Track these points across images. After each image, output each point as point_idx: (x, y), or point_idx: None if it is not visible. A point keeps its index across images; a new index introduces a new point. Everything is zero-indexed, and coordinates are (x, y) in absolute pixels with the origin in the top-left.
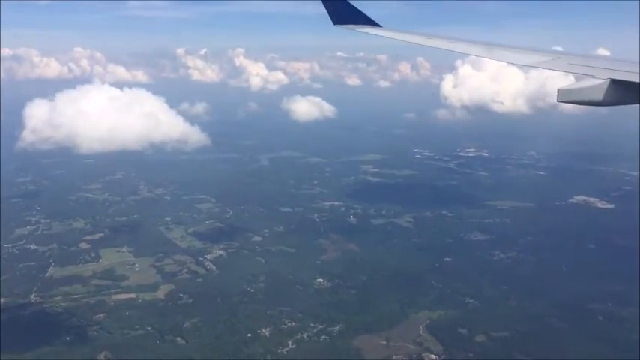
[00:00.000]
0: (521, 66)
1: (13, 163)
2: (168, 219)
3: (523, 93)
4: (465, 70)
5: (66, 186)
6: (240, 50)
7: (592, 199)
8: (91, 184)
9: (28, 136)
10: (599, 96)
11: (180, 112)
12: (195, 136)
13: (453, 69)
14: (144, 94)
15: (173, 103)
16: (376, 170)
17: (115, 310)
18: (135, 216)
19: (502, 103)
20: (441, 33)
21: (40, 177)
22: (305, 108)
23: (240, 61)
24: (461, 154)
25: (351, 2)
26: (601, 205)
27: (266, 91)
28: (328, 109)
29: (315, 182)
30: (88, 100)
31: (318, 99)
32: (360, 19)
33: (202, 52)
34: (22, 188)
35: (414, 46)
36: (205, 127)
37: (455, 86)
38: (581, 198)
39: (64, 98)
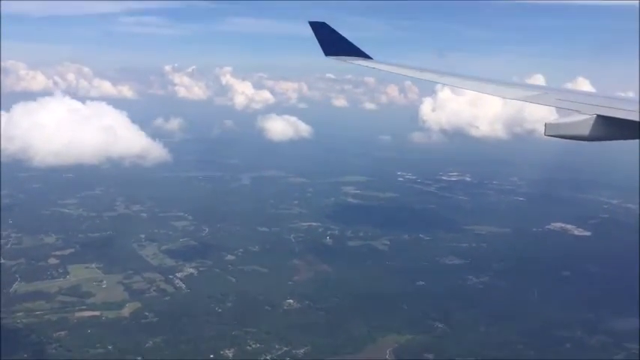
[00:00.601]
0: (510, 100)
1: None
2: (142, 236)
3: (500, 118)
4: (444, 94)
5: (42, 200)
6: (227, 69)
7: (569, 226)
8: (68, 199)
9: None
10: (585, 131)
11: (154, 128)
12: (156, 152)
13: (433, 93)
14: (105, 108)
15: (151, 118)
16: (357, 192)
17: (76, 328)
18: (108, 232)
19: (478, 127)
20: (422, 57)
21: (16, 190)
22: (280, 127)
23: (226, 79)
24: (443, 177)
25: (342, 35)
26: (577, 232)
27: (249, 110)
28: (304, 129)
29: (296, 202)
30: (46, 113)
31: (294, 119)
32: (352, 50)
33: (190, 69)
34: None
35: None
36: (175, 144)
37: (434, 110)
38: (558, 225)
39: (20, 110)
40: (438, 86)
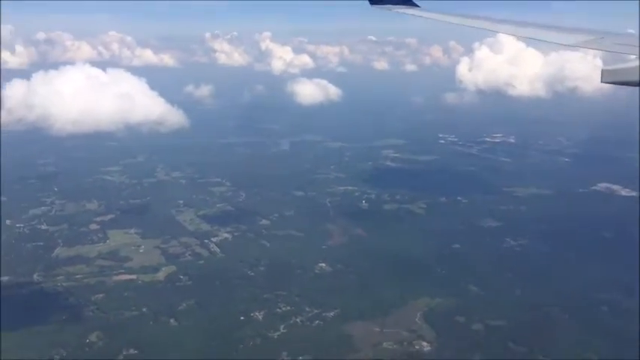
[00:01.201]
0: (566, 46)
1: (36, 145)
2: (181, 202)
3: (540, 77)
4: (481, 52)
5: (85, 168)
6: (266, 34)
7: (616, 187)
8: (111, 167)
9: (4, 117)
10: None
11: (185, 95)
12: (175, 118)
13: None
14: (124, 75)
15: (188, 85)
16: (396, 155)
17: (113, 291)
18: (148, 198)
19: (515, 87)
20: (482, 12)
21: (61, 159)
22: (310, 91)
23: (266, 44)
24: (487, 139)
25: None
26: (625, 192)
27: (286, 74)
28: (334, 93)
29: (332, 167)
30: (65, 81)
31: (324, 82)
32: None
33: (230, 36)
34: (41, 170)
35: (447, 29)
36: (214, 110)
37: (470, 69)
38: (604, 185)
39: (39, 78)
40: (476, 44)
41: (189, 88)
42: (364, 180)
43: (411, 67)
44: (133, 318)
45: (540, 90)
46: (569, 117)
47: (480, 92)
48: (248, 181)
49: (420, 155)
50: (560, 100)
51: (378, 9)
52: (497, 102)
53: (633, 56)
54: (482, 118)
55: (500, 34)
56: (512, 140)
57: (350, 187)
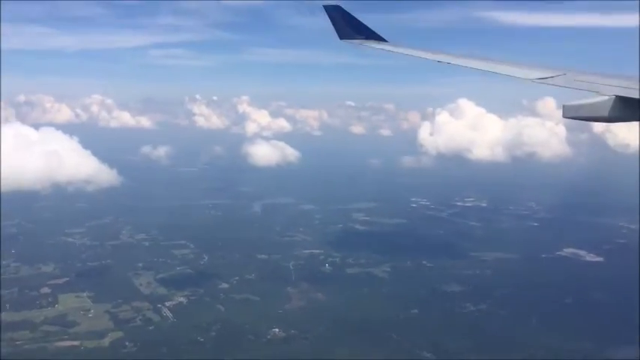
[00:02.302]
0: (527, 81)
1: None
2: (140, 264)
3: (500, 141)
4: (442, 117)
5: (49, 229)
6: (244, 98)
7: (581, 252)
8: (75, 228)
9: None
10: (604, 112)
11: (139, 155)
12: (106, 177)
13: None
14: (55, 134)
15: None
16: (366, 218)
17: (54, 358)
18: (107, 261)
19: (473, 151)
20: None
21: (26, 220)
22: (263, 152)
23: (243, 108)
24: (458, 203)
25: (357, 17)
26: (589, 258)
27: (259, 137)
28: (290, 154)
29: (301, 229)
30: None
31: (281, 143)
32: (367, 33)
33: (207, 100)
34: (4, 231)
35: (423, 96)
36: (185, 172)
37: (431, 134)
38: (570, 250)
39: None
40: (437, 110)
41: (146, 149)
42: (331, 243)
43: (386, 132)
44: None
45: (499, 155)
46: (539, 181)
47: (441, 156)
48: (213, 243)
49: (390, 218)
50: (520, 165)
51: (347, 43)
52: (458, 166)
53: (594, 92)
54: (453, 181)
55: (460, 100)
56: (484, 204)
57: (315, 251)
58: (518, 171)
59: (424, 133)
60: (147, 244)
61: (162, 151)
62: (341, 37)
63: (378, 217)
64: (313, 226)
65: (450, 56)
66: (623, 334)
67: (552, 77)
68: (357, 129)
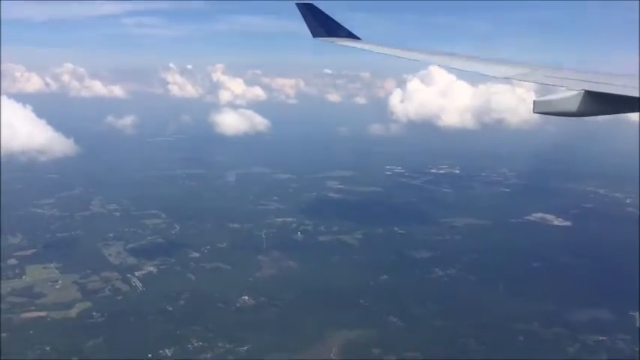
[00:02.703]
0: (497, 78)
1: None
2: (111, 235)
3: (469, 108)
4: (413, 84)
5: (18, 201)
6: (219, 66)
7: (550, 217)
8: (45, 199)
9: None
10: (573, 107)
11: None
12: (60, 146)
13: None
14: (8, 103)
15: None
16: (341, 186)
17: (19, 330)
18: (77, 232)
19: (442, 118)
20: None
21: None
22: (229, 121)
23: (217, 76)
24: (432, 170)
25: (330, 16)
26: (557, 222)
27: (231, 106)
28: (260, 123)
29: (275, 198)
30: None
31: (250, 112)
32: (340, 32)
33: (182, 68)
34: None
35: (401, 63)
36: (161, 142)
37: (402, 101)
38: (539, 215)
39: None
40: (408, 76)
41: (110, 118)
42: (304, 211)
43: (362, 100)
44: (35, 357)
45: (468, 121)
46: (510, 148)
47: (411, 123)
48: (185, 213)
49: (365, 186)
50: (488, 132)
51: (321, 41)
52: (428, 133)
53: (563, 88)
54: (426, 149)
55: (432, 65)
56: (457, 171)
57: (288, 219)
58: (488, 138)
59: (395, 101)
60: (118, 214)
61: (128, 121)
62: (314, 35)
63: (353, 185)
64: (287, 195)
65: (425, 54)
66: (587, 296)
67: (523, 74)
68: (333, 97)
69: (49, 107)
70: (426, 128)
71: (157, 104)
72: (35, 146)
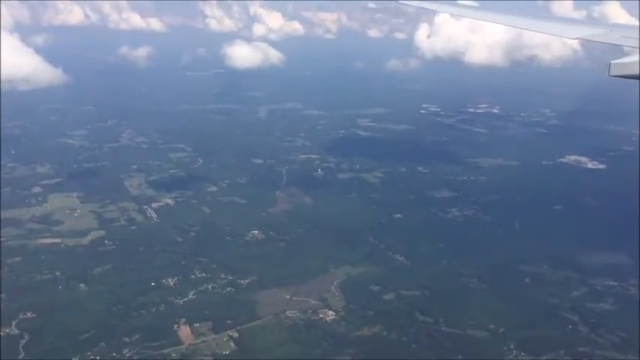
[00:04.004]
0: (573, 39)
1: (11, 108)
2: (134, 166)
3: (499, 44)
4: (441, 18)
5: (52, 131)
6: None
7: (584, 159)
8: (77, 130)
9: None
10: None
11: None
12: (47, 75)
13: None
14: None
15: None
16: (372, 124)
17: (32, 254)
18: (104, 163)
19: (467, 54)
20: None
21: (30, 122)
22: (246, 54)
23: (255, 9)
24: (470, 109)
25: None
26: (592, 165)
27: (265, 40)
28: (275, 56)
29: (302, 134)
30: None
31: (264, 45)
32: None
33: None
34: (6, 132)
35: None
36: (199, 77)
37: (429, 36)
38: (573, 158)
39: None
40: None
41: (124, 49)
42: (329, 148)
43: (401, 36)
44: (43, 282)
45: (497, 58)
46: (550, 87)
47: (437, 59)
48: (210, 147)
49: (396, 125)
50: (519, 69)
51: (403, 4)
52: (454, 69)
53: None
54: (465, 87)
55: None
56: (496, 111)
57: (312, 156)
58: (521, 75)
59: (421, 36)
60: (145, 146)
61: (142, 52)
62: None
63: (384, 123)
64: (315, 132)
65: (496, 15)
66: (606, 240)
67: (601, 33)
68: (374, 32)
69: (89, 39)
70: (452, 65)
71: (192, 38)
72: (20, 75)
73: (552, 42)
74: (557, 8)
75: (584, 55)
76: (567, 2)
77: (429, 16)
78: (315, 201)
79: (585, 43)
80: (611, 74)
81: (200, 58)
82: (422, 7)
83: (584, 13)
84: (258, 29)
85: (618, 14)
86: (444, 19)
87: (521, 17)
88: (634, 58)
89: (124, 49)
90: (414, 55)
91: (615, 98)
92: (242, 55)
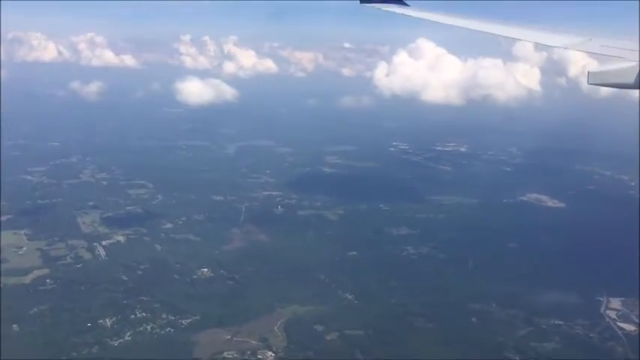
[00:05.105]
0: (555, 47)
1: None
2: (90, 203)
3: (455, 83)
4: (400, 58)
5: (12, 167)
6: (233, 37)
7: (544, 197)
8: (38, 167)
9: None
10: (630, 79)
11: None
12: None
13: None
14: None
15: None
16: (338, 161)
17: None
18: (58, 199)
19: (427, 92)
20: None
21: None
22: (195, 90)
23: (228, 48)
24: (438, 148)
25: None
26: (552, 203)
27: (234, 78)
28: (228, 92)
29: (268, 171)
30: None
31: (217, 81)
32: None
33: (194, 38)
34: None
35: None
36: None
37: (387, 74)
38: (533, 196)
39: None
40: (398, 49)
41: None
42: (292, 185)
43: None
44: None
45: (453, 97)
46: (517, 126)
47: (395, 97)
48: (172, 184)
49: (363, 162)
50: (475, 107)
51: (368, 7)
52: (411, 108)
53: (620, 58)
54: (435, 125)
55: (419, 39)
56: (464, 149)
57: (274, 193)
58: (481, 114)
59: (380, 74)
60: (105, 183)
61: (94, 87)
62: (362, 1)
63: (352, 160)
64: (281, 169)
65: (469, 21)
66: (557, 279)
67: (580, 43)
68: (348, 71)
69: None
70: (409, 103)
71: (166, 74)
72: None
73: (506, 82)
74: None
75: (539, 95)
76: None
77: (389, 55)
78: (271, 238)
79: (543, 82)
80: (589, 83)
81: (171, 94)
82: (388, 11)
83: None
84: (229, 67)
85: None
86: (402, 58)
87: (500, 25)
88: (612, 66)
89: (93, 85)
90: (371, 93)
91: (580, 137)
92: (211, 92)
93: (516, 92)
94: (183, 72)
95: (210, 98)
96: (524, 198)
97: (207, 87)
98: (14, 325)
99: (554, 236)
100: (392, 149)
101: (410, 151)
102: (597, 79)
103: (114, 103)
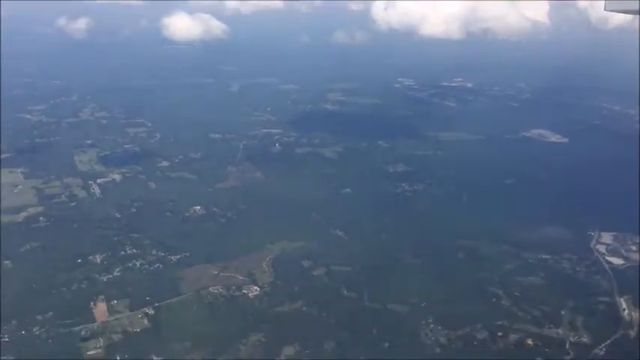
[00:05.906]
0: None
1: None
2: (88, 142)
3: (454, 17)
4: None
5: (11, 106)
6: None
7: (547, 133)
8: (38, 105)
9: None
10: None
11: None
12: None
13: None
14: None
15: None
16: (342, 98)
17: None
18: (57, 138)
19: (423, 27)
20: None
21: None
22: (187, 25)
23: None
24: (444, 84)
25: None
26: (554, 138)
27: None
28: (218, 28)
29: (269, 109)
30: None
31: (207, 16)
32: None
33: None
34: None
35: None
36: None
37: (386, 8)
38: (537, 131)
39: None
40: None
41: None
42: (293, 123)
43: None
44: None
45: (453, 31)
46: (529, 61)
47: (392, 31)
48: (171, 122)
49: (366, 99)
50: (474, 42)
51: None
52: (409, 41)
53: None
54: (441, 60)
55: None
56: (470, 85)
57: (274, 130)
58: (486, 48)
59: (378, 7)
60: (105, 122)
61: (81, 24)
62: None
63: (355, 97)
64: (284, 106)
65: None
66: (550, 214)
67: None
68: (356, 5)
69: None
70: (407, 38)
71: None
72: None
73: (508, 14)
74: None
75: (546, 28)
76: None
77: None
78: (266, 176)
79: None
80: (606, 9)
81: (159, 31)
82: None
83: None
84: (231, 3)
85: None
86: None
87: None
88: None
89: (80, 22)
90: (367, 28)
91: (592, 72)
92: (200, 27)
93: (519, 25)
94: (187, 8)
95: (200, 34)
96: (527, 134)
97: (196, 22)
98: (6, 262)
99: (552, 172)
100: (397, 85)
101: (415, 87)
102: (615, 6)
103: (106, 41)
